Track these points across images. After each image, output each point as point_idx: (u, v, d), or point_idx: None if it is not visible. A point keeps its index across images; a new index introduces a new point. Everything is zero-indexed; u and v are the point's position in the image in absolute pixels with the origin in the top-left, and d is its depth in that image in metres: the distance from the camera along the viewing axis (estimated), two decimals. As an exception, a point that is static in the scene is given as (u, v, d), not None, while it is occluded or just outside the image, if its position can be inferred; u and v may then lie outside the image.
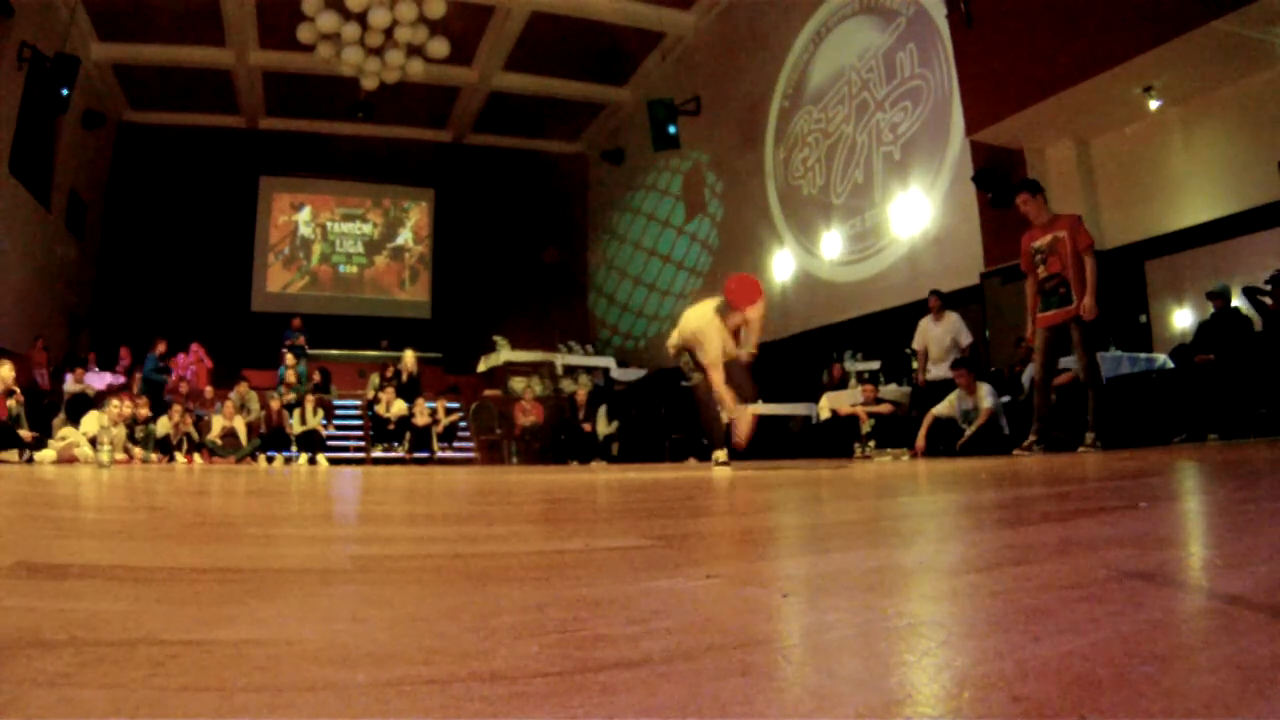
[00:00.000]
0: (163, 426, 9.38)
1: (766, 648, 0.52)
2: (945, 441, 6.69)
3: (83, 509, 2.00)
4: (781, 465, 5.70)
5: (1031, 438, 5.55)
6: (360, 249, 17.54)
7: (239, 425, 9.70)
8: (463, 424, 11.33)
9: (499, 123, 16.41)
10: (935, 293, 7.52)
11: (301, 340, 12.89)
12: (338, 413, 11.55)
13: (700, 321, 5.25)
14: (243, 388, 10.38)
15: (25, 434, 7.56)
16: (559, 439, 10.75)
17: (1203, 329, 6.61)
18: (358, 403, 12.00)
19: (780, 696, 0.42)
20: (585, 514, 1.89)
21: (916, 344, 7.54)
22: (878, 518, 1.55)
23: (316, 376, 11.65)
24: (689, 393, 12.30)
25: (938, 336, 7.36)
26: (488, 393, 12.22)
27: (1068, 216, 5.57)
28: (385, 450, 10.76)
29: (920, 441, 6.76)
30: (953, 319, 7.36)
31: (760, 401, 5.25)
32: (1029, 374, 6.96)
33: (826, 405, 8.51)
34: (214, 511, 1.97)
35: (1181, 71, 6.88)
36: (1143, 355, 7.12)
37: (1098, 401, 5.36)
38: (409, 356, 11.85)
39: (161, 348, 11.11)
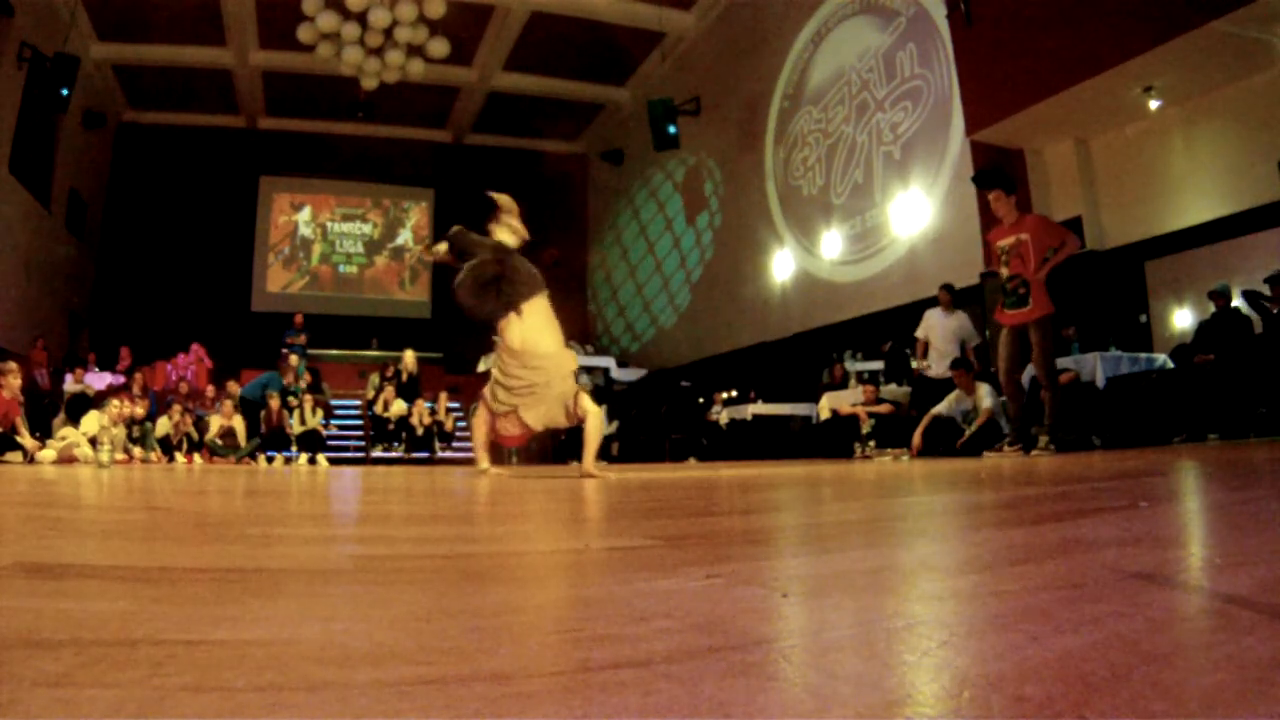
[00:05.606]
0: (162, 426, 9.39)
1: (766, 648, 0.52)
2: (945, 441, 6.69)
3: (82, 509, 2.00)
4: (781, 465, 5.70)
5: (1006, 439, 5.69)
6: (360, 249, 17.54)
7: (239, 425, 9.70)
8: (462, 424, 11.32)
9: (499, 123, 16.40)
10: (946, 287, 7.57)
11: (303, 339, 12.88)
12: (338, 413, 11.53)
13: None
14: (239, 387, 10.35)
15: (28, 442, 7.51)
16: (559, 439, 10.75)
17: (1203, 329, 6.61)
18: (358, 403, 11.99)
19: (780, 696, 0.42)
20: (585, 514, 1.89)
21: (919, 333, 7.56)
22: (878, 518, 1.55)
23: (308, 376, 11.64)
24: (686, 394, 12.11)
25: (943, 331, 7.38)
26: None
27: (1033, 217, 5.64)
28: (385, 450, 10.76)
29: (917, 439, 6.76)
30: (962, 317, 7.41)
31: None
32: (1029, 374, 6.97)
33: (826, 405, 8.51)
34: (214, 511, 1.97)
35: (1181, 71, 6.88)
36: (1143, 355, 7.11)
37: (1055, 405, 5.42)
38: (409, 356, 11.84)
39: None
